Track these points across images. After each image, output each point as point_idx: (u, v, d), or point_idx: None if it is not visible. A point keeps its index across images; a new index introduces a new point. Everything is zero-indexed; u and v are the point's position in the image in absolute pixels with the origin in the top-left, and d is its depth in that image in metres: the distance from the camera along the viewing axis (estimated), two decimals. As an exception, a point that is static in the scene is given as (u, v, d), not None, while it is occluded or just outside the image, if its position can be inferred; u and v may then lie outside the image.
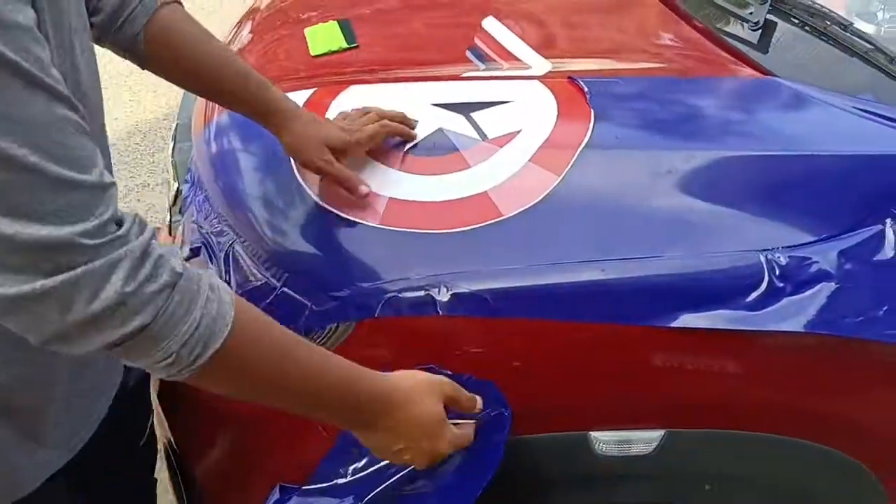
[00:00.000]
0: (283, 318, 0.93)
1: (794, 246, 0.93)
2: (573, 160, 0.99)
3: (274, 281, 0.96)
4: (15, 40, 0.52)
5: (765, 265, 0.91)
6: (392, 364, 0.90)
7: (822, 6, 1.22)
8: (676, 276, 0.91)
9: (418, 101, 1.12)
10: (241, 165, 1.10)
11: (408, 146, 1.04)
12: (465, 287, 0.90)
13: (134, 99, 3.20)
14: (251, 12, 1.70)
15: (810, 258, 0.92)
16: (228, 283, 1.01)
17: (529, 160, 1.00)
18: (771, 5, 1.28)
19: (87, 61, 0.70)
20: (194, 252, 1.07)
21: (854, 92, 1.11)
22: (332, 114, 1.13)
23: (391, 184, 1.00)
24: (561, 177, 0.98)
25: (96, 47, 0.81)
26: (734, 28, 1.33)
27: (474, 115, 1.08)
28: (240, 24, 1.66)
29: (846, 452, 1.01)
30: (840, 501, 1.06)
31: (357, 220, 0.97)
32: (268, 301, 0.95)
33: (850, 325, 0.90)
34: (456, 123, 1.07)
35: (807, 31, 1.24)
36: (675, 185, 0.97)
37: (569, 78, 1.13)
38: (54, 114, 0.54)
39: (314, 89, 1.19)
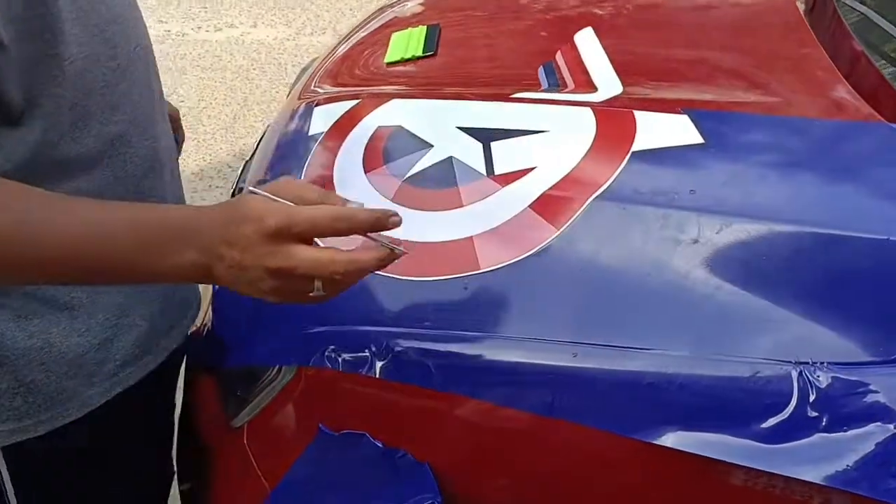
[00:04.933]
0: (237, 349, 0.88)
1: (847, 364, 0.68)
2: (579, 212, 0.81)
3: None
4: None
5: (795, 382, 0.67)
6: (325, 423, 0.80)
7: None
8: (670, 377, 0.70)
9: (444, 122, 0.99)
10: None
11: (409, 173, 0.92)
12: (408, 350, 0.77)
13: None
14: (379, 10, 1.65)
15: (867, 384, 0.66)
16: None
17: (529, 206, 0.83)
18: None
19: None
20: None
21: None
22: (362, 130, 1.04)
23: (378, 215, 0.89)
24: (559, 231, 0.80)
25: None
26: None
27: (494, 144, 0.93)
28: (365, 22, 1.62)
29: None
30: None
31: (329, 253, 0.88)
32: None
33: (868, 483, 0.63)
34: (470, 152, 0.92)
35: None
36: (699, 259, 0.75)
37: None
38: None
39: (357, 101, 1.11)
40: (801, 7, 1.26)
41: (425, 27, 1.31)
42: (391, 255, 0.62)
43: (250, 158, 1.32)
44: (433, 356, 0.76)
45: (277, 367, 0.85)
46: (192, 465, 1.04)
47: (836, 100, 0.94)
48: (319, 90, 1.23)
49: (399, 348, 0.77)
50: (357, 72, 1.28)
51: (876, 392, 0.66)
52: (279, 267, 0.59)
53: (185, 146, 1.11)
